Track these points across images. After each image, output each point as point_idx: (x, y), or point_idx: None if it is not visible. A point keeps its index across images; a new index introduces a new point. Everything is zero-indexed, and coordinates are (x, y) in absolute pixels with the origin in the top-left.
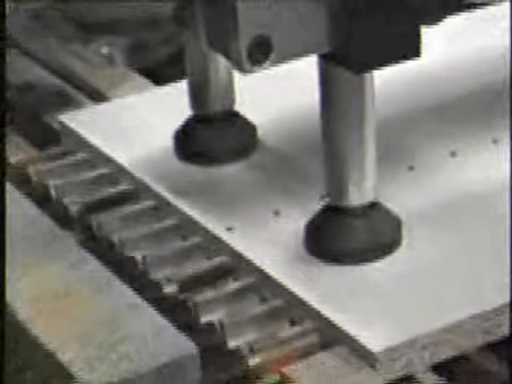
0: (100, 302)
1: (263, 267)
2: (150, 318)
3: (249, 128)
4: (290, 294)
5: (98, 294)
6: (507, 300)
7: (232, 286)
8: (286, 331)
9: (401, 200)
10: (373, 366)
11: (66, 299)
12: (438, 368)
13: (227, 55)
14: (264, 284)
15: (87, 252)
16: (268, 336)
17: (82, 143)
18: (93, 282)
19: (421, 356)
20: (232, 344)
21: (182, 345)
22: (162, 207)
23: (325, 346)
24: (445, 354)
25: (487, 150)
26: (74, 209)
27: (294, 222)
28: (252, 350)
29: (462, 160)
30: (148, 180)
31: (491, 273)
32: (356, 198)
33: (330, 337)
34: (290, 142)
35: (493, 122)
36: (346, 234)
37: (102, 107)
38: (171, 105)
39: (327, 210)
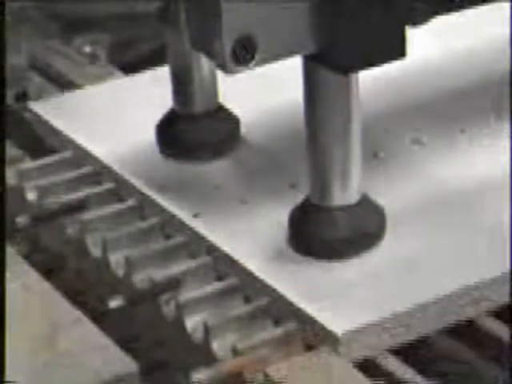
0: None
1: (246, 264)
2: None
3: (232, 126)
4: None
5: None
6: (467, 284)
7: (217, 286)
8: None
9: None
10: (335, 349)
11: None
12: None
13: (211, 55)
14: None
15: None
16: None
17: (51, 130)
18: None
19: (382, 339)
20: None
21: (123, 361)
22: (121, 189)
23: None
24: (406, 337)
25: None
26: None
27: (279, 218)
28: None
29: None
30: (111, 162)
31: (454, 261)
32: (339, 198)
33: (291, 317)
34: (273, 140)
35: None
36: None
37: (72, 95)
38: (140, 93)
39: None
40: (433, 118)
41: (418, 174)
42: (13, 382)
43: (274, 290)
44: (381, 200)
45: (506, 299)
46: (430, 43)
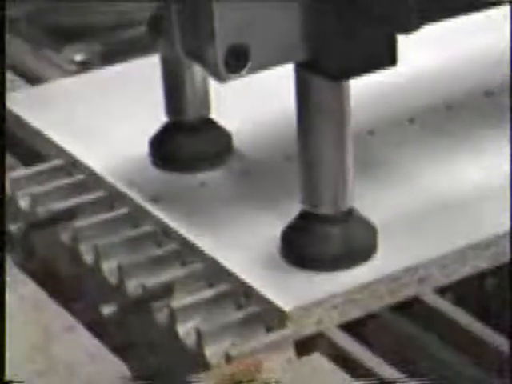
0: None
1: (239, 274)
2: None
3: (225, 135)
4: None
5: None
6: (413, 263)
7: (209, 292)
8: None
9: None
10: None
11: None
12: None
13: (204, 63)
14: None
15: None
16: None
17: (22, 125)
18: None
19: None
20: None
21: (116, 368)
22: (88, 181)
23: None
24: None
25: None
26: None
27: (271, 228)
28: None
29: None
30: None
31: (406, 237)
32: (332, 207)
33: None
34: (266, 149)
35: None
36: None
37: (41, 89)
38: (113, 85)
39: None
40: (426, 127)
41: (410, 183)
42: (13, 381)
43: (265, 298)
44: (373, 210)
45: None
46: (425, 50)
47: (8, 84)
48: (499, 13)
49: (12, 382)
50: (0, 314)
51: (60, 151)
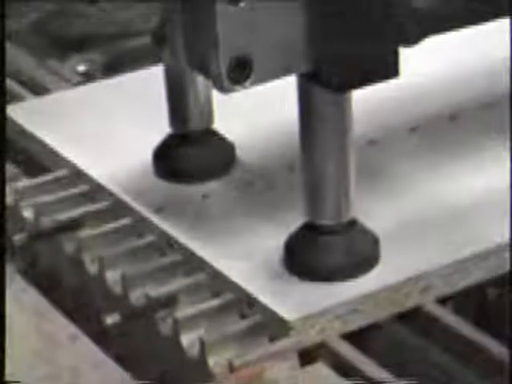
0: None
1: (242, 284)
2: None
3: (227, 146)
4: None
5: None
6: (415, 273)
7: (212, 302)
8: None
9: None
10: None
11: None
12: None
13: (207, 75)
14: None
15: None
16: None
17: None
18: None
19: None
20: None
21: (120, 378)
22: (92, 191)
23: None
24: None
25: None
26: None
27: (274, 238)
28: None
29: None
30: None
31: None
32: (334, 217)
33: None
34: (269, 160)
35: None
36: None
37: (45, 99)
38: (117, 96)
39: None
40: (427, 137)
41: (412, 193)
42: (13, 381)
43: (268, 308)
44: (375, 220)
45: None
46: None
47: (11, 94)
48: (502, 22)
49: (10, 382)
50: (0, 313)
51: (63, 161)
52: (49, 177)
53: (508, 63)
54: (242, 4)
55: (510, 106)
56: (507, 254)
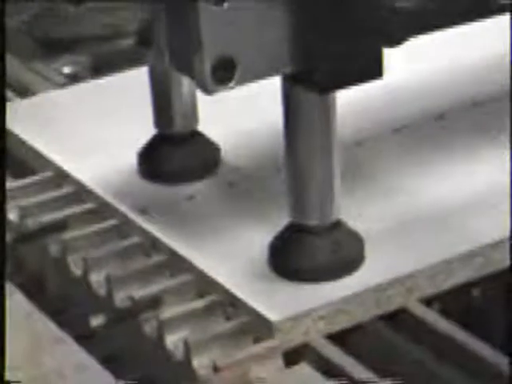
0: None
1: (227, 285)
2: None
3: (213, 148)
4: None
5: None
6: (400, 274)
7: (197, 303)
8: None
9: None
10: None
11: None
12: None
13: (191, 75)
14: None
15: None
16: None
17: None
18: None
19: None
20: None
21: (105, 380)
22: (77, 193)
23: None
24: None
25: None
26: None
27: (259, 239)
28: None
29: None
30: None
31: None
32: (319, 218)
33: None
34: (254, 161)
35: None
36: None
37: (30, 101)
38: (102, 97)
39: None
40: (413, 138)
41: (398, 194)
42: (13, 381)
43: (253, 309)
44: (360, 221)
45: None
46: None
47: None
48: (490, 22)
49: (10, 382)
50: (0, 314)
51: (48, 163)
52: (34, 179)
53: (494, 61)
54: (225, 4)
55: (511, 106)
56: (493, 254)
